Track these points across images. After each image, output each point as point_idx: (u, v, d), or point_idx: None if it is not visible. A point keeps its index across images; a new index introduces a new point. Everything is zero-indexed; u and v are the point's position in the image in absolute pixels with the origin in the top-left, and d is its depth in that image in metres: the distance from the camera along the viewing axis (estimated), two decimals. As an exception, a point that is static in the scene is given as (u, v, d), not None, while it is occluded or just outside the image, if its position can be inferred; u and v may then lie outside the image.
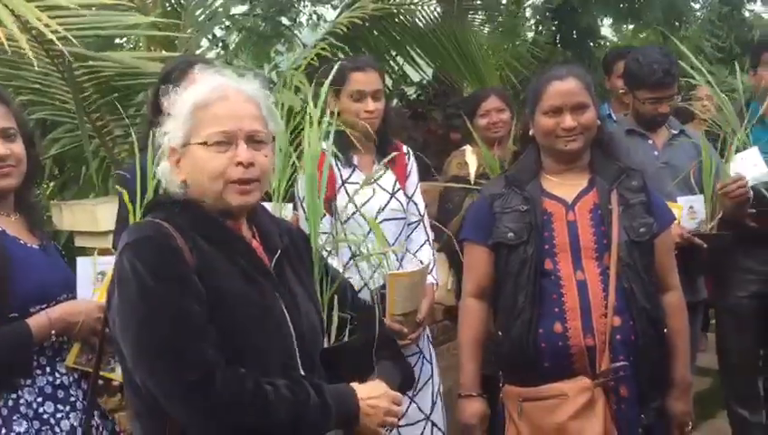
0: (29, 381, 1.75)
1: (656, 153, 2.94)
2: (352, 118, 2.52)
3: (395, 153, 2.58)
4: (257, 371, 1.37)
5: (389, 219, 2.53)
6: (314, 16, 8.22)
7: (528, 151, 2.16)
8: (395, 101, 6.19)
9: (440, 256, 3.20)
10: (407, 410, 2.35)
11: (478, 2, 7.12)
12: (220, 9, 4.83)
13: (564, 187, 2.08)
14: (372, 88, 2.56)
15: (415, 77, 6.21)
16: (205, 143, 1.41)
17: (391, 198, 2.59)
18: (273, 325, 1.44)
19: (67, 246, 3.09)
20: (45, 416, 1.76)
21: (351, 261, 2.33)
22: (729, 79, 5.75)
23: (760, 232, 2.88)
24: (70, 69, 3.21)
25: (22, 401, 1.73)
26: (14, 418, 1.70)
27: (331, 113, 2.55)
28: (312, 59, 3.45)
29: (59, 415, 1.78)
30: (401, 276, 2.36)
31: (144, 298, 1.33)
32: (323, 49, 3.49)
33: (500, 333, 2.08)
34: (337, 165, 2.54)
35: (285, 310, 1.47)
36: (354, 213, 2.52)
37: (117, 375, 1.80)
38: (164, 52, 4.11)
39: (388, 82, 5.95)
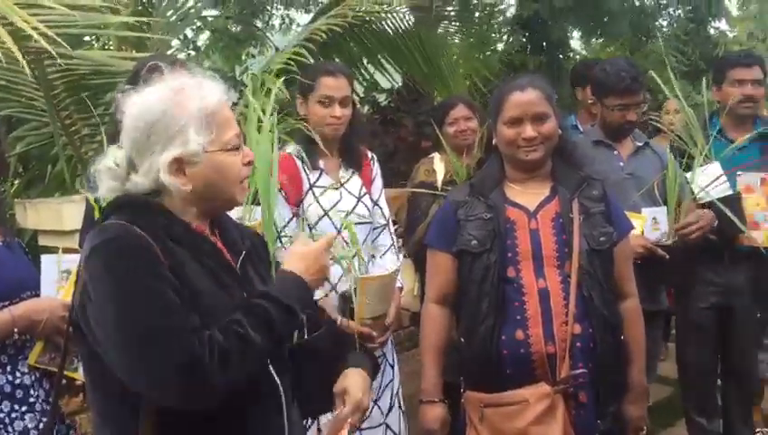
0: (-13, 379, 1.73)
1: (621, 164, 2.99)
2: (320, 122, 2.54)
3: (361, 157, 2.60)
4: None
5: (356, 223, 2.55)
6: (287, 20, 8.23)
7: (491, 160, 2.20)
8: (366, 107, 6.24)
9: (407, 262, 3.24)
10: (370, 412, 2.37)
11: (452, 12, 7.20)
12: (192, 10, 4.82)
13: (527, 195, 2.12)
14: (341, 94, 2.59)
15: (387, 84, 6.27)
16: (226, 148, 1.43)
17: (358, 202, 2.62)
18: None
19: (30, 244, 3.06)
20: (0, 415, 1.74)
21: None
22: (693, 94, 5.90)
23: (720, 245, 2.96)
24: (42, 66, 3.18)
25: None
26: None
27: (301, 118, 2.59)
28: (286, 63, 3.47)
29: (14, 415, 1.76)
30: (371, 280, 2.38)
31: (120, 291, 1.30)
32: (296, 54, 3.51)
33: (462, 340, 2.10)
34: (304, 169, 2.56)
35: None
36: (323, 216, 2.55)
37: (80, 375, 1.78)
38: (134, 52, 4.09)
39: (360, 88, 6.00)
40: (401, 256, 2.85)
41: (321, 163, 2.62)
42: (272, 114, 2.06)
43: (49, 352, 1.81)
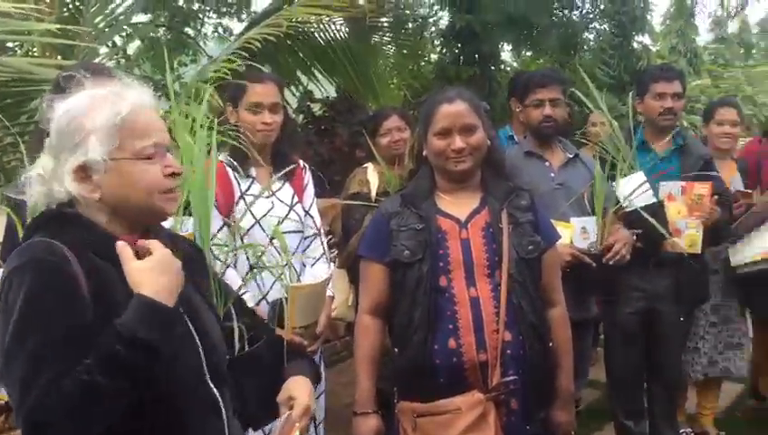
0: None
1: (552, 175, 3.07)
2: (250, 130, 2.53)
3: (292, 166, 2.59)
4: (165, 384, 1.33)
5: (288, 232, 2.54)
6: (220, 28, 8.13)
7: (422, 171, 2.22)
8: (301, 117, 6.22)
9: (340, 272, 3.23)
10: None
11: (385, 23, 7.24)
12: (121, 17, 4.71)
13: (457, 205, 2.14)
14: (270, 101, 2.58)
15: (322, 93, 6.27)
16: (136, 157, 1.38)
17: (290, 210, 2.61)
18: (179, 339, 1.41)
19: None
20: None
21: (250, 273, 2.32)
22: (618, 105, 6.08)
23: (645, 252, 3.06)
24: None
25: None
26: None
27: (233, 125, 2.56)
28: (219, 72, 3.43)
29: None
30: (302, 289, 2.36)
31: (24, 311, 1.27)
32: (229, 62, 3.47)
33: (396, 350, 2.11)
34: (235, 177, 2.53)
35: (190, 323, 1.45)
36: (254, 225, 2.52)
37: (3, 395, 1.71)
38: (61, 59, 3.97)
39: (294, 98, 5.98)
40: (333, 265, 2.85)
41: (253, 171, 2.60)
42: (205, 123, 2.03)
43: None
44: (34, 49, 4.45)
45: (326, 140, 5.70)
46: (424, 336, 2.02)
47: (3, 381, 1.29)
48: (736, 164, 3.74)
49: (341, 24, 5.45)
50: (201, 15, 7.65)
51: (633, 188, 3.13)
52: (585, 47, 9.13)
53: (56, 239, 1.34)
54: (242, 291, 2.17)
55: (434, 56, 8.49)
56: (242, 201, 2.53)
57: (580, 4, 9.13)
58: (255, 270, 2.33)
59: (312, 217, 2.72)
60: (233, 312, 1.71)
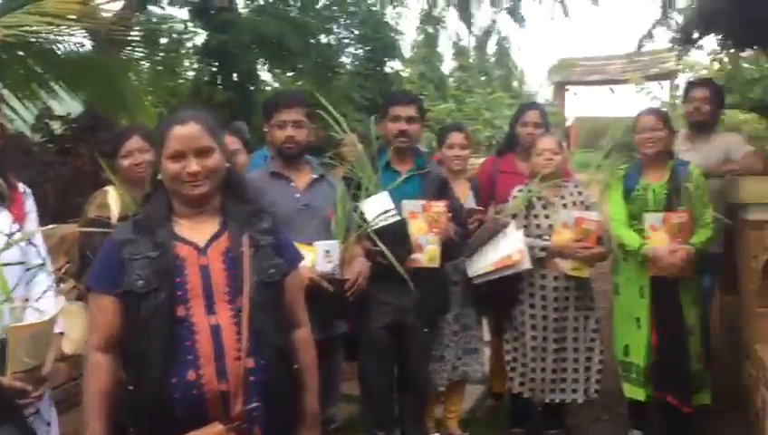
0: None
1: (297, 195, 3.09)
2: None
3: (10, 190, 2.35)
4: None
5: (6, 264, 2.27)
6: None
7: (158, 195, 2.12)
8: (39, 135, 5.70)
9: (78, 306, 2.98)
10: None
11: (136, 37, 6.90)
12: None
13: (196, 230, 2.07)
14: None
15: (65, 109, 5.80)
16: None
17: (8, 240, 2.34)
18: None
19: None
20: None
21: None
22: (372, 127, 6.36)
23: (390, 268, 3.19)
24: None
25: None
26: None
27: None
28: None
29: None
30: (23, 329, 2.14)
31: None
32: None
33: (131, 387, 1.98)
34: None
35: None
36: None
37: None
38: None
39: (30, 115, 5.46)
40: (63, 298, 2.61)
41: None
42: None
43: None
44: None
45: (68, 160, 5.27)
46: (161, 370, 1.92)
47: None
48: (470, 183, 4.07)
49: (84, 37, 5.08)
50: None
51: (378, 208, 3.28)
52: (342, 71, 9.44)
53: None
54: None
55: (191, 74, 8.29)
56: None
57: (337, 30, 9.46)
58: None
59: (35, 246, 2.46)
60: None
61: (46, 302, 2.39)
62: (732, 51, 7.63)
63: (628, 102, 14.24)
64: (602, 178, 4.13)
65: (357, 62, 9.52)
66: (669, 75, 17.12)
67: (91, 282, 2.06)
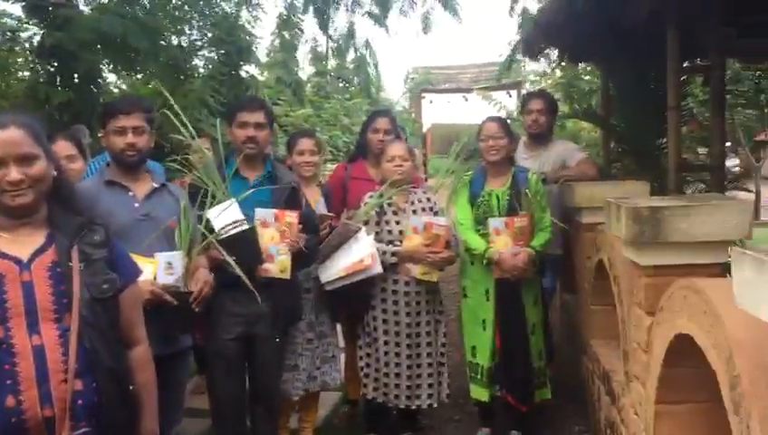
0: None
1: (136, 205, 2.93)
2: None
3: None
4: None
5: None
6: None
7: (-27, 206, 1.94)
8: None
9: None
10: None
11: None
12: None
13: (18, 244, 1.92)
14: None
15: None
16: None
17: None
18: None
19: None
20: None
21: None
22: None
23: (239, 278, 3.10)
24: None
25: None
26: None
27: None
28: None
29: None
30: None
31: None
32: None
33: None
34: None
35: None
36: None
37: None
38: None
39: None
40: None
41: None
42: None
43: None
44: None
45: None
46: (-24, 397, 1.76)
47: None
48: (321, 189, 4.06)
49: None
50: None
51: (226, 218, 3.19)
52: (195, 74, 9.17)
53: None
54: None
55: (27, 74, 7.73)
56: None
57: (189, 31, 9.16)
58: None
59: None
60: None
61: None
62: (570, 63, 8.16)
63: (480, 110, 14.87)
64: (451, 183, 4.25)
65: (211, 66, 9.28)
66: (518, 84, 18.08)
67: None
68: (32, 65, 7.45)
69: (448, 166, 4.48)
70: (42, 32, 7.06)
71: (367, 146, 4.36)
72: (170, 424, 2.89)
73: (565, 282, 5.13)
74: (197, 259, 3.00)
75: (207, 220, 3.16)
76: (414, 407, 3.94)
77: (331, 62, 18.35)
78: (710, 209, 2.60)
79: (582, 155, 4.82)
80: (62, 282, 1.91)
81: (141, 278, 2.27)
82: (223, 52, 9.10)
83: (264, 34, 15.91)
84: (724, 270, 2.57)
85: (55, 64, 7.06)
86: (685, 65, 5.90)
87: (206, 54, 9.53)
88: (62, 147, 3.43)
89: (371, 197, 3.94)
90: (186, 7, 8.85)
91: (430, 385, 3.92)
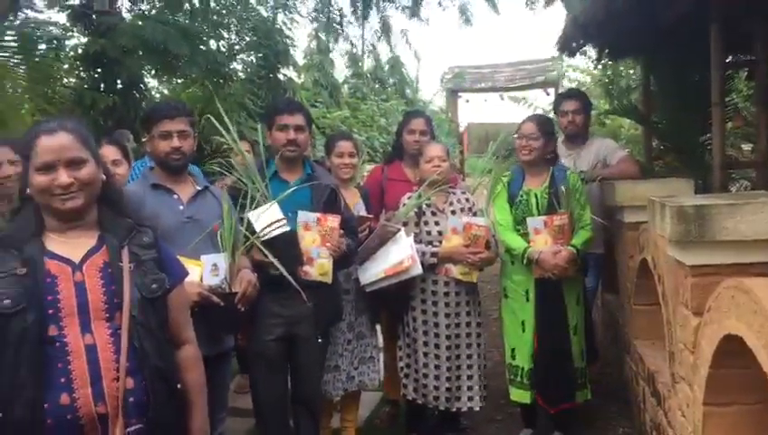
0: None
1: (181, 208, 2.98)
2: None
3: None
4: None
5: None
6: None
7: (26, 209, 2.00)
8: None
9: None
10: None
11: (11, 42, 6.55)
12: None
13: (70, 246, 1.97)
14: None
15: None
16: None
17: None
18: None
19: None
20: None
21: None
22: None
23: (282, 278, 3.13)
24: None
25: None
26: None
27: None
28: None
29: None
30: None
31: None
32: None
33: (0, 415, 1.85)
34: None
35: None
36: None
37: None
38: None
39: None
40: None
41: None
42: None
43: None
44: None
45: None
46: (32, 396, 1.80)
47: None
48: (360, 191, 4.07)
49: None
50: None
51: (267, 219, 3.22)
52: (234, 77, 9.29)
53: None
54: None
55: (73, 80, 7.92)
56: None
57: (227, 36, 9.29)
58: None
59: None
60: None
61: None
62: (609, 60, 8.06)
63: (517, 109, 14.77)
64: (488, 182, 4.24)
65: (249, 69, 9.39)
66: (555, 83, 17.90)
67: (-52, 304, 1.91)
68: (76, 72, 7.62)
69: (486, 165, 4.46)
70: (86, 39, 7.22)
71: (402, 148, 4.36)
72: (216, 423, 2.93)
73: (606, 281, 5.07)
74: (241, 260, 3.04)
75: (249, 222, 3.19)
76: (454, 409, 3.93)
77: (368, 63, 18.38)
78: (757, 207, 2.54)
79: (623, 153, 4.76)
80: (113, 282, 1.95)
81: (188, 280, 2.31)
82: (261, 55, 9.21)
83: (301, 37, 16.04)
84: (772, 269, 2.52)
85: (99, 71, 7.23)
86: (728, 60, 5.79)
87: (245, 58, 9.66)
88: (108, 151, 3.51)
89: (410, 198, 3.94)
90: (224, 12, 8.97)
91: (470, 388, 3.91)
